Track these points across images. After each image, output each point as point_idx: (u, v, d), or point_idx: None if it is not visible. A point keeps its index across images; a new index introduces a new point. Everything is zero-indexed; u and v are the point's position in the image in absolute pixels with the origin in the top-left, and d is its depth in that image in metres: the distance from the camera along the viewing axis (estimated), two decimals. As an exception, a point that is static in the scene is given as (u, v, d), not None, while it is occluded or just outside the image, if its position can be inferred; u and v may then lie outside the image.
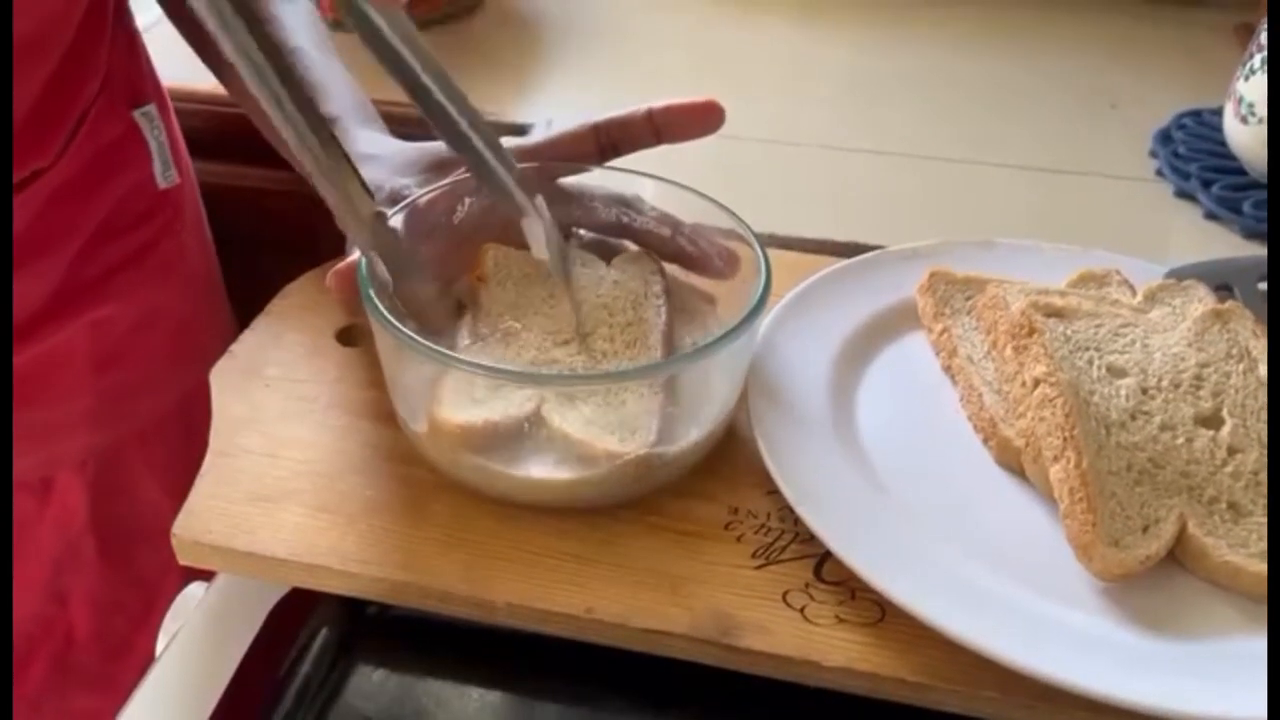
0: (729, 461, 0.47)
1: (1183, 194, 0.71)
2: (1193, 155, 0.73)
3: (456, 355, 0.45)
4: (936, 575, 0.41)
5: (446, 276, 0.50)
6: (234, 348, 0.53)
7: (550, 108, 0.78)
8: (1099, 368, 0.47)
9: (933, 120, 0.80)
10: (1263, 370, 0.48)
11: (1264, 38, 0.69)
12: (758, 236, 0.49)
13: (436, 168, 0.52)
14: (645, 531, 0.44)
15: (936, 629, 0.39)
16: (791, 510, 0.43)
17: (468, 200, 0.51)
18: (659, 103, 0.50)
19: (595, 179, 0.52)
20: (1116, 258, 0.56)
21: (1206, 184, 0.71)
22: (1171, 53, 0.89)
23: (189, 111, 0.70)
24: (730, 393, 0.47)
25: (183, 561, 0.45)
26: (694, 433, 0.46)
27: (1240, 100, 0.70)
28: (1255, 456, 0.45)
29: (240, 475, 0.46)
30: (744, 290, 0.47)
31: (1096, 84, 0.84)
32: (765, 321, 0.50)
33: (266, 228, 0.75)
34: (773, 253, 0.48)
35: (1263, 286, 0.54)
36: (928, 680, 0.39)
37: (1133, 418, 0.45)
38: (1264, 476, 0.44)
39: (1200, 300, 0.52)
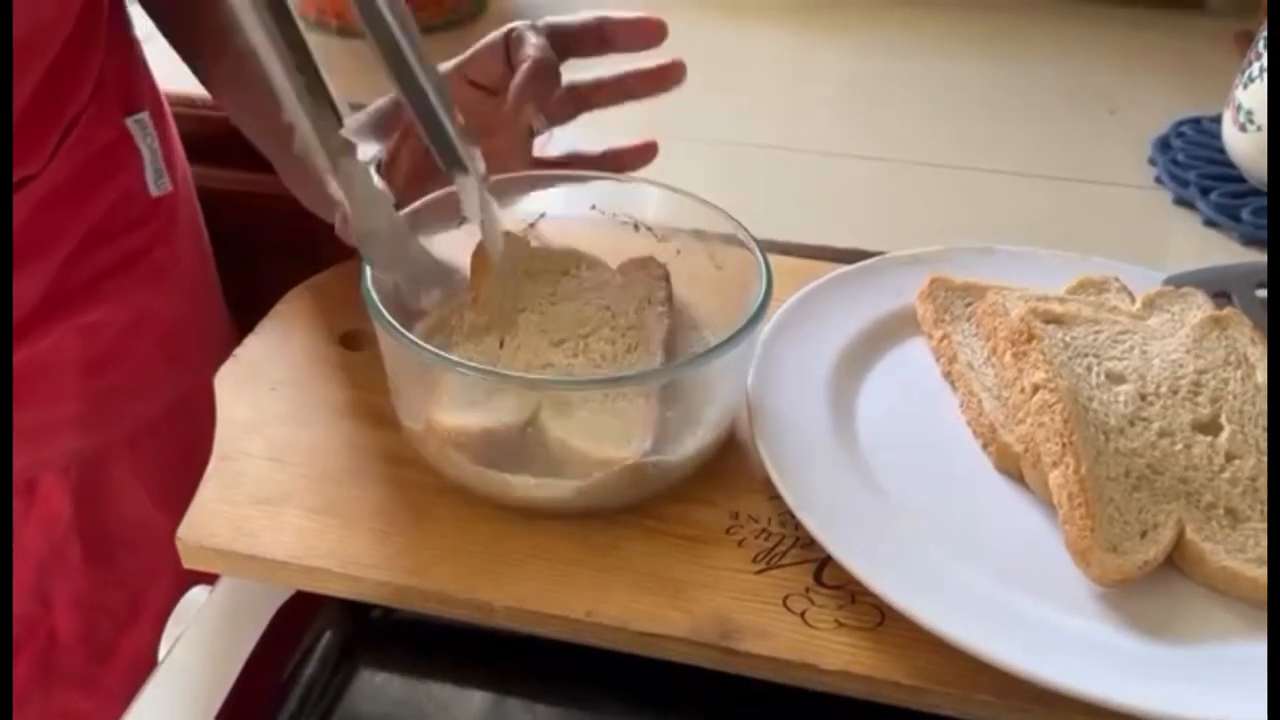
0: (730, 466, 0.48)
1: (1181, 201, 0.72)
2: (1191, 162, 0.73)
3: (455, 359, 0.45)
4: (936, 580, 0.42)
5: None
6: (238, 352, 0.53)
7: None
8: (1098, 374, 0.47)
9: (933, 126, 0.80)
10: (1261, 376, 0.48)
11: (1263, 46, 0.69)
12: (758, 242, 0.49)
13: (382, 126, 0.51)
14: (646, 535, 0.45)
15: (935, 633, 0.39)
16: (792, 515, 0.43)
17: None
18: (614, 15, 0.51)
19: (595, 181, 0.53)
20: (1115, 264, 0.57)
21: (1205, 191, 0.71)
22: (1171, 60, 0.89)
23: (188, 117, 0.70)
24: (731, 398, 0.47)
25: (187, 565, 0.45)
26: (694, 439, 0.46)
27: (1239, 108, 0.70)
28: (1253, 462, 0.45)
29: (244, 479, 0.47)
30: (744, 296, 0.47)
31: (1096, 91, 0.85)
32: (766, 327, 0.51)
33: (267, 233, 0.76)
34: (773, 258, 0.48)
35: (1261, 293, 0.55)
36: (926, 684, 0.40)
37: (1131, 424, 0.45)
38: (1262, 482, 0.44)
39: (1199, 307, 0.52)
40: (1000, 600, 0.41)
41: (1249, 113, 0.70)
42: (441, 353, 0.43)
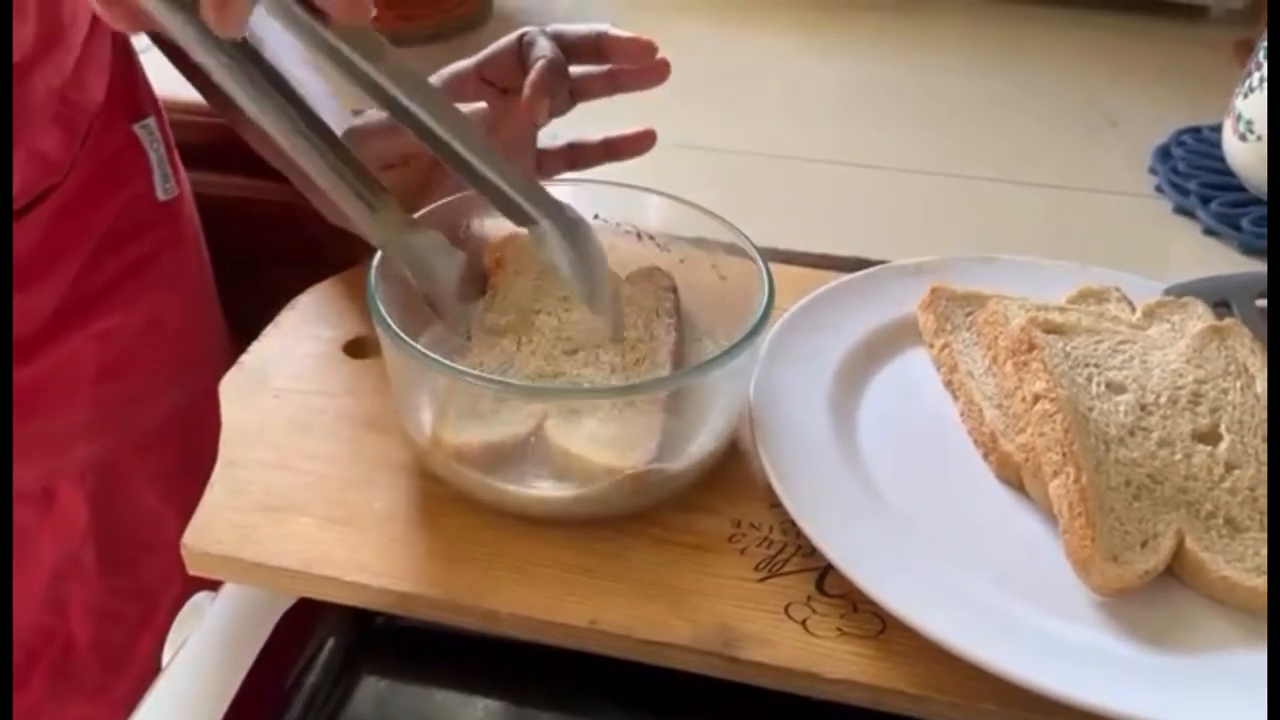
0: (732, 475, 0.48)
1: (1182, 210, 0.72)
2: (1192, 172, 0.74)
3: (460, 367, 0.45)
4: (937, 588, 0.42)
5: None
6: (243, 359, 0.54)
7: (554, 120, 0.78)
8: (1098, 384, 0.47)
9: (934, 136, 0.80)
10: (1260, 386, 0.49)
11: (1263, 55, 0.69)
12: (760, 251, 0.49)
13: (393, 127, 0.52)
14: (649, 544, 0.45)
15: (936, 642, 0.39)
16: (794, 523, 0.44)
17: None
18: (614, 31, 0.53)
19: (598, 190, 0.53)
20: (1116, 274, 0.57)
21: (1205, 200, 0.71)
22: (1171, 70, 0.89)
23: (187, 124, 0.70)
24: (734, 407, 0.48)
25: (192, 572, 0.45)
26: (697, 447, 0.46)
27: (1239, 118, 0.71)
28: (1253, 472, 0.45)
29: (249, 486, 0.47)
30: (747, 305, 0.47)
31: (1096, 101, 0.85)
32: (768, 336, 0.51)
33: (267, 240, 0.76)
34: (775, 267, 0.48)
35: (1261, 303, 0.55)
36: (927, 692, 0.40)
37: (1131, 434, 0.46)
38: (1261, 492, 0.45)
39: (1199, 317, 0.53)
40: (1001, 609, 0.41)
41: (1249, 122, 0.70)
42: (445, 361, 0.44)
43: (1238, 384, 0.49)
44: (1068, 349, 0.48)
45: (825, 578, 0.43)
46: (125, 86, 0.63)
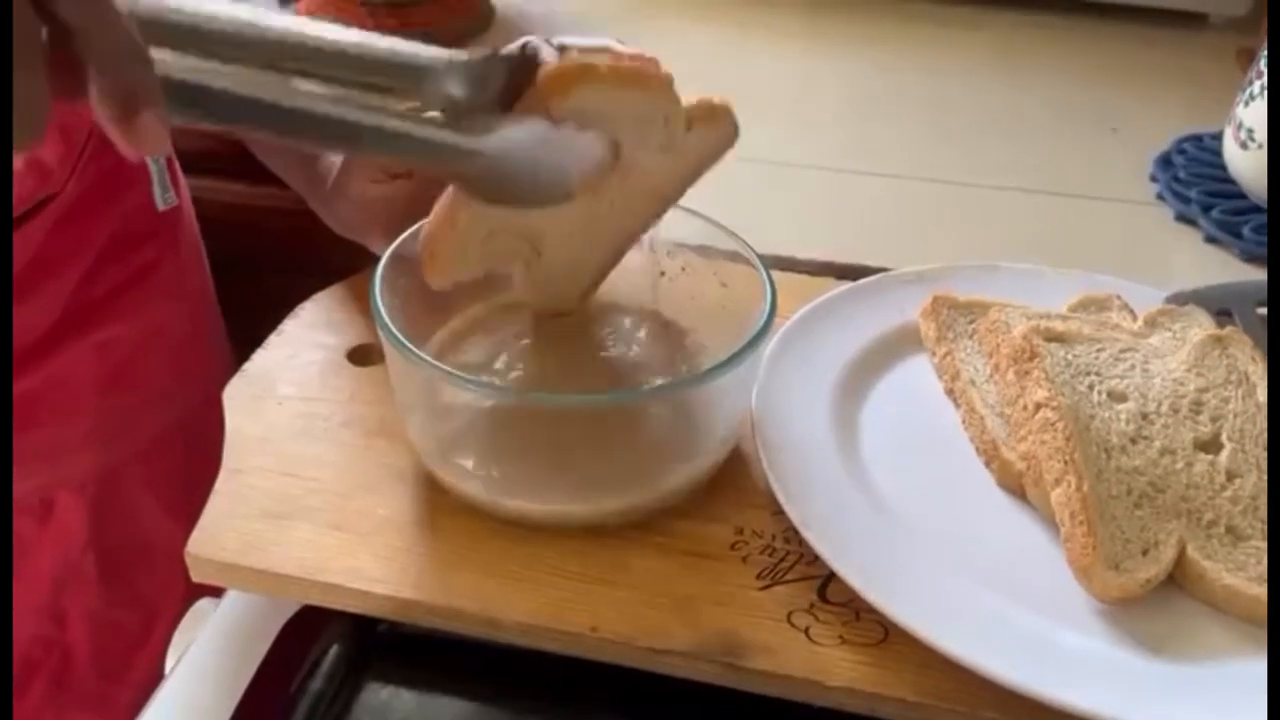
0: (735, 483, 0.48)
1: (1183, 218, 0.72)
2: (1193, 180, 0.74)
3: (462, 374, 0.46)
4: (939, 596, 0.42)
5: None
6: (247, 366, 0.54)
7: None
8: (1099, 392, 0.47)
9: (935, 143, 0.81)
10: (1262, 395, 0.49)
11: (1264, 63, 0.69)
12: (762, 259, 0.49)
13: None
14: (652, 551, 0.45)
15: (938, 650, 0.39)
16: (796, 531, 0.44)
17: None
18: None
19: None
20: (1117, 282, 0.57)
21: (1207, 208, 0.71)
22: (1172, 77, 0.90)
23: (190, 131, 0.70)
24: (736, 414, 0.48)
25: (196, 579, 0.45)
26: (700, 455, 0.46)
27: (1240, 125, 0.71)
28: (1254, 481, 0.45)
29: (253, 493, 0.47)
30: (749, 313, 0.47)
31: (1097, 108, 0.85)
32: (770, 344, 0.51)
33: (269, 247, 0.76)
34: (777, 275, 0.48)
35: (1262, 311, 0.55)
36: (929, 700, 0.40)
37: (1133, 442, 0.46)
38: (1263, 501, 0.45)
39: (1200, 325, 0.53)
40: (1002, 617, 0.41)
41: (1250, 130, 0.70)
42: (448, 368, 0.44)
43: (1239, 392, 0.49)
44: (1069, 357, 0.48)
45: (828, 586, 0.43)
46: None
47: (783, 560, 0.45)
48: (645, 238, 0.54)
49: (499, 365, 0.49)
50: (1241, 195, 0.72)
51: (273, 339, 0.56)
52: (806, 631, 0.42)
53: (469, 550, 0.45)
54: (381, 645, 0.46)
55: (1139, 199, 0.75)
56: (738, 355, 0.44)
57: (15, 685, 0.63)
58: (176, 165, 0.68)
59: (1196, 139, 0.79)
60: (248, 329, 0.58)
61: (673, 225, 0.53)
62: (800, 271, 0.61)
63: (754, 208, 0.70)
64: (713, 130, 0.46)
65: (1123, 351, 0.50)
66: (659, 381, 0.49)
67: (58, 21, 0.31)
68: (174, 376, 0.66)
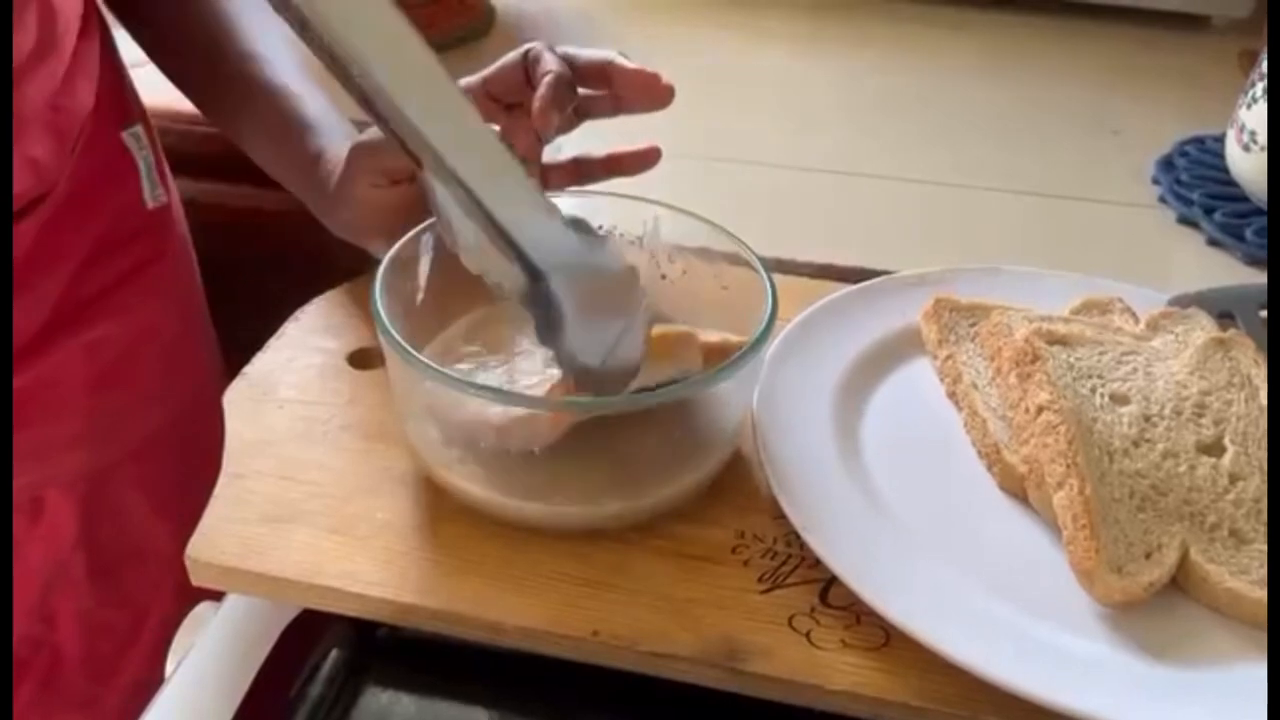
0: (736, 486, 0.48)
1: (1185, 220, 0.72)
2: (1195, 182, 0.74)
3: (463, 378, 0.46)
4: (940, 600, 0.42)
5: None
6: (247, 370, 0.54)
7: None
8: (1102, 395, 0.47)
9: (937, 146, 0.80)
10: (1264, 398, 0.49)
11: (1266, 66, 0.69)
12: (763, 262, 0.49)
13: None
14: (653, 555, 0.45)
15: (939, 653, 0.39)
16: (797, 535, 0.44)
17: None
18: (621, 61, 0.53)
19: (600, 201, 0.53)
20: (1119, 285, 0.57)
21: (1209, 211, 0.71)
22: (1174, 80, 0.90)
23: (177, 132, 0.71)
24: (737, 418, 0.48)
25: (196, 583, 0.45)
26: (701, 458, 0.46)
27: (1242, 128, 0.71)
28: (1256, 484, 0.45)
29: (253, 497, 0.47)
30: (750, 316, 0.47)
31: (1099, 111, 0.85)
32: (771, 347, 0.51)
33: (266, 250, 0.76)
34: (778, 278, 0.48)
35: (1264, 314, 0.55)
36: (931, 704, 0.40)
37: (1135, 445, 0.46)
38: (1265, 504, 0.45)
39: (1202, 328, 0.53)
40: (1004, 621, 0.41)
41: (1252, 133, 0.70)
42: (448, 372, 0.44)
43: (1242, 395, 0.49)
44: (1071, 360, 0.48)
45: (829, 589, 0.43)
46: (113, 93, 0.63)
47: (784, 564, 0.44)
48: (645, 240, 0.54)
49: (499, 369, 0.49)
50: (1244, 198, 0.72)
51: (273, 342, 0.56)
52: (808, 635, 0.42)
53: (469, 554, 0.45)
54: (381, 649, 0.46)
55: (1141, 202, 0.74)
56: (739, 358, 0.44)
57: None
58: (165, 164, 0.68)
59: (1199, 141, 0.78)
60: (246, 332, 0.58)
61: (674, 228, 0.53)
62: (801, 274, 0.61)
63: (755, 211, 0.70)
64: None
65: (1125, 354, 0.50)
66: (660, 385, 0.49)
67: None
68: (164, 376, 0.66)
